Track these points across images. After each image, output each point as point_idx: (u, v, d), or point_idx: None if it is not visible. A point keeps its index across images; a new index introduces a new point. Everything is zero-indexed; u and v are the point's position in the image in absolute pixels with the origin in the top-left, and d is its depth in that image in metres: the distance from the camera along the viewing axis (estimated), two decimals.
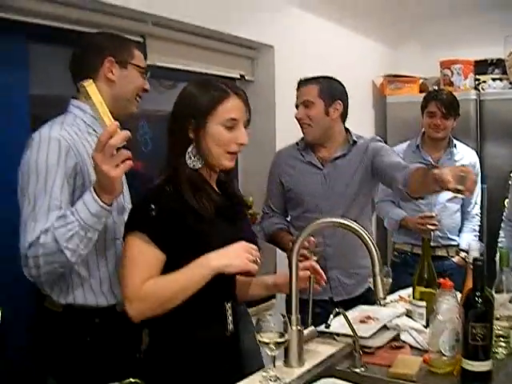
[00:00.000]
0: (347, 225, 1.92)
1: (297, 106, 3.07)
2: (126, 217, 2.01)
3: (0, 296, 2.37)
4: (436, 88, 4.77)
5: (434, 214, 3.80)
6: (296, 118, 3.05)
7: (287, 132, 3.86)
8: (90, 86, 1.82)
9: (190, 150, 1.94)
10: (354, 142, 3.07)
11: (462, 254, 3.90)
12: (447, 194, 3.65)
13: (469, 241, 3.88)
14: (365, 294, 2.98)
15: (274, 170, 3.23)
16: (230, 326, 2.00)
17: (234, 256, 1.85)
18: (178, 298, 1.83)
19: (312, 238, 2.37)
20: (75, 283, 2.14)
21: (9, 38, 2.57)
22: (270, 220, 3.21)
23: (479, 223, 4.12)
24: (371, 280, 1.98)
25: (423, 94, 4.24)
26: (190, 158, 1.94)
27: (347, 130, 3.13)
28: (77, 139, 2.11)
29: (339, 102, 3.01)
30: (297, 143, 3.18)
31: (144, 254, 1.86)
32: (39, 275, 1.99)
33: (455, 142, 4.07)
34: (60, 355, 2.16)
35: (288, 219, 3.25)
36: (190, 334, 1.91)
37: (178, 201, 1.89)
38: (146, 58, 3.09)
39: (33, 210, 1.97)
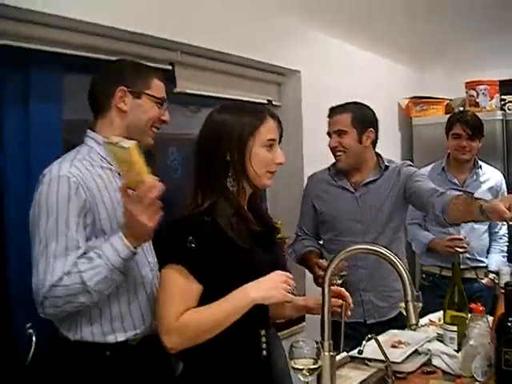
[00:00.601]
0: (379, 252, 1.92)
1: (329, 134, 3.11)
2: None
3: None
4: (460, 109, 4.76)
5: (462, 237, 3.79)
6: (329, 146, 3.09)
7: (314, 156, 3.91)
8: (133, 148, 1.82)
9: (230, 174, 1.96)
10: (386, 167, 3.11)
11: (491, 276, 3.88)
12: None
13: (498, 262, 3.87)
14: (397, 317, 2.95)
15: (306, 193, 3.30)
16: (264, 352, 2.00)
17: (272, 287, 1.86)
18: (215, 330, 1.85)
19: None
20: (83, 321, 2.09)
21: (45, 68, 2.62)
22: (301, 242, 3.25)
23: (507, 243, 4.08)
24: (402, 304, 2.00)
25: (449, 116, 4.25)
26: (230, 182, 1.96)
27: (378, 154, 3.17)
28: (87, 175, 2.07)
29: (371, 130, 3.06)
30: (328, 168, 3.23)
31: (182, 286, 1.86)
32: (55, 314, 2.01)
33: (480, 163, 4.07)
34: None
35: (320, 242, 3.28)
36: (225, 360, 1.91)
37: (216, 231, 1.89)
38: (175, 86, 3.20)
39: (45, 250, 1.96)
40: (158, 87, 2.26)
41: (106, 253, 1.94)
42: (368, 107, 3.15)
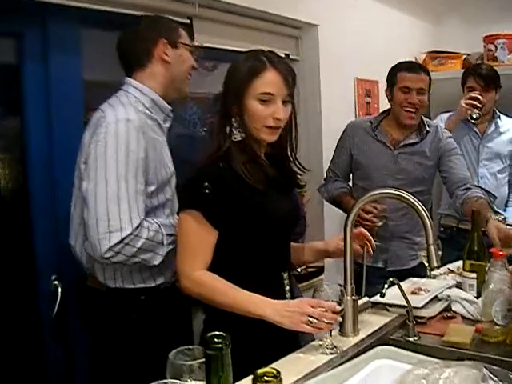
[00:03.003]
0: (403, 197, 1.95)
1: (406, 89, 3.15)
2: None
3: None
4: (476, 63, 4.71)
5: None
6: (408, 101, 3.13)
7: (332, 109, 3.91)
8: None
9: (233, 122, 1.95)
10: (427, 132, 3.22)
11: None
12: (498, 166, 3.73)
13: None
14: (416, 268, 3.07)
15: (345, 139, 3.37)
16: (288, 295, 2.03)
17: (288, 316, 1.80)
18: (224, 307, 1.87)
19: (379, 205, 2.73)
20: (125, 269, 2.16)
21: (61, 23, 2.58)
22: (334, 184, 3.37)
23: None
24: (423, 253, 2.04)
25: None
26: (232, 131, 1.95)
27: (421, 118, 3.26)
28: (144, 123, 2.13)
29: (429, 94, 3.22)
30: (370, 121, 3.31)
31: (198, 232, 1.90)
32: (120, 262, 2.05)
33: (499, 113, 4.06)
34: (107, 333, 2.20)
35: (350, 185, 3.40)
36: None
37: (231, 177, 1.91)
38: (192, 40, 3.18)
39: (117, 195, 1.99)
40: (186, 37, 2.36)
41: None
42: None
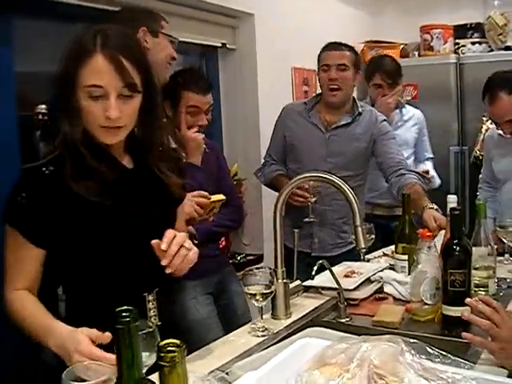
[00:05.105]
0: (330, 179, 1.98)
1: (326, 66, 3.16)
2: None
3: None
4: (378, 56, 4.64)
5: None
6: (328, 78, 3.13)
7: (269, 98, 3.92)
8: None
9: (68, 118, 1.61)
10: (359, 113, 3.21)
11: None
12: (406, 152, 3.85)
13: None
14: (342, 256, 3.03)
15: (279, 123, 3.36)
16: (154, 319, 1.72)
17: (69, 353, 1.40)
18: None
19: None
20: None
21: None
22: (271, 167, 3.36)
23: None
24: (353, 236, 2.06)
25: (405, 60, 4.28)
26: (67, 127, 1.62)
27: (354, 99, 3.28)
28: None
29: (360, 72, 3.23)
30: (305, 103, 3.32)
31: (15, 250, 1.63)
32: None
33: (404, 104, 4.19)
34: None
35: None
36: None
37: (57, 184, 1.59)
38: None
39: None
40: (167, 27, 2.43)
41: None
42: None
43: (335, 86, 3.12)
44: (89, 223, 1.62)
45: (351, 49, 3.20)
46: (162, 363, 0.88)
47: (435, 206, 2.61)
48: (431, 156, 4.23)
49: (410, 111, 4.21)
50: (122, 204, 1.66)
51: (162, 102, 2.70)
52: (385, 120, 3.30)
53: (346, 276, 2.41)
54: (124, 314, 0.89)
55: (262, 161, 3.49)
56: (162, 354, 0.87)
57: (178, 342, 0.89)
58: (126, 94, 1.59)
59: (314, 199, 2.97)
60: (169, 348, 0.88)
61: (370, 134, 3.18)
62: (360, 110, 3.22)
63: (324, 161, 3.14)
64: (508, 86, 2.98)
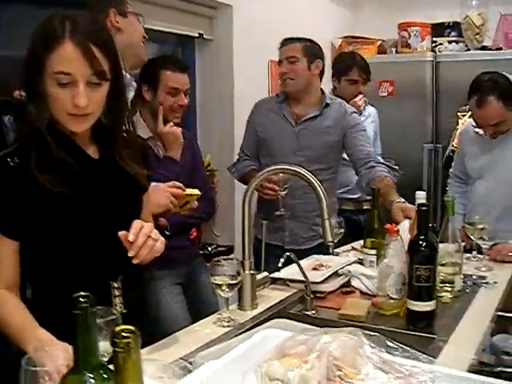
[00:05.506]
0: (298, 172, 1.98)
1: (280, 62, 3.22)
2: None
3: None
4: (350, 51, 4.70)
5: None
6: (280, 72, 3.21)
7: (245, 90, 3.92)
8: None
9: (36, 105, 1.58)
10: (327, 105, 3.22)
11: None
12: None
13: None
14: (314, 249, 3.03)
15: (251, 118, 3.38)
16: (118, 306, 1.69)
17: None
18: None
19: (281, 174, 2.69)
20: None
21: None
22: (244, 162, 3.37)
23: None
24: None
25: (382, 56, 4.29)
26: (33, 115, 1.59)
27: (323, 91, 3.29)
28: None
29: (319, 61, 3.20)
30: (277, 95, 3.35)
31: None
32: None
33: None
34: None
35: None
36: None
37: (23, 176, 1.57)
38: None
39: None
40: (131, 7, 2.51)
41: None
42: (317, 43, 3.28)
43: (286, 79, 3.18)
44: (54, 214, 1.61)
45: (306, 40, 3.22)
46: (116, 349, 0.86)
47: (403, 200, 2.63)
48: (381, 152, 4.26)
49: (368, 108, 4.27)
50: (87, 195, 1.64)
51: (140, 87, 2.70)
52: (355, 112, 3.32)
53: (314, 269, 2.42)
54: (81, 299, 0.88)
55: (236, 151, 3.50)
56: (117, 340, 0.86)
57: (133, 328, 0.88)
58: (95, 82, 1.56)
59: (283, 192, 2.96)
60: (123, 334, 0.87)
61: (340, 128, 3.19)
62: (328, 101, 3.23)
63: (294, 154, 3.14)
64: (498, 90, 2.99)
